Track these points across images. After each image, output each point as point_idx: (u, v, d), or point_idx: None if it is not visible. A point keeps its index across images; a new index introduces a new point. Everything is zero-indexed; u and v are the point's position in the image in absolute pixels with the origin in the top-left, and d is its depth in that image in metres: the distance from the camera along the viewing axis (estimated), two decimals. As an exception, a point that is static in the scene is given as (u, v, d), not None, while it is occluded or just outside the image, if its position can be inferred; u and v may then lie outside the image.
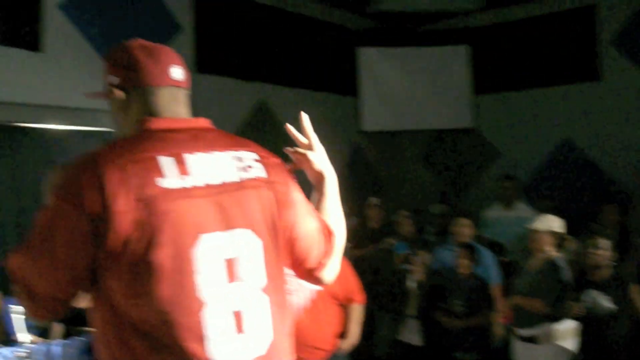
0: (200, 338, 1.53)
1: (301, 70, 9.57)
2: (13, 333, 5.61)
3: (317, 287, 3.91)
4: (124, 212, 1.47)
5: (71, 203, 1.48)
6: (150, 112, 1.73)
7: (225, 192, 1.65)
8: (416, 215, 8.21)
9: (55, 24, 7.03)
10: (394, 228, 6.74)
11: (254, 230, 1.67)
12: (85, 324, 6.21)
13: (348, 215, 7.08)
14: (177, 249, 1.53)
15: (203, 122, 1.81)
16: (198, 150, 1.67)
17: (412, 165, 11.17)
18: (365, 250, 6.38)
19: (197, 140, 1.70)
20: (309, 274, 1.91)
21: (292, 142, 8.76)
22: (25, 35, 6.81)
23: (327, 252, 1.92)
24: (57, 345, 5.27)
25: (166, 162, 1.58)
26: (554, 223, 4.96)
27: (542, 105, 9.78)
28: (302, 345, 3.98)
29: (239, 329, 1.59)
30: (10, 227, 7.05)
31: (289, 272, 1.87)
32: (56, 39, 7.04)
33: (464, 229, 5.78)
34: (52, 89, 7.02)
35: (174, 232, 1.53)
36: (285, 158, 2.06)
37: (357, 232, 6.18)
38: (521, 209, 7.26)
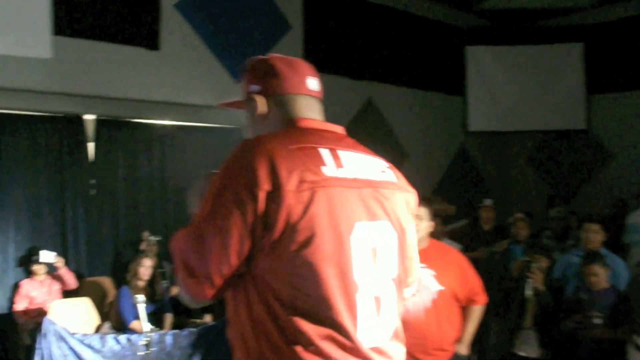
0: (354, 317, 1.63)
1: (409, 69, 9.49)
2: (128, 321, 5.84)
3: (440, 287, 3.89)
4: (293, 192, 1.56)
5: (246, 187, 1.56)
6: (289, 116, 1.82)
7: (370, 187, 1.73)
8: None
9: (172, 23, 7.28)
10: (506, 230, 6.51)
11: (392, 224, 1.76)
12: (193, 316, 6.41)
13: (456, 216, 6.86)
14: (336, 233, 1.61)
15: (340, 129, 1.88)
16: (345, 149, 1.76)
17: (519, 167, 10.88)
18: (477, 253, 6.21)
19: (341, 141, 1.80)
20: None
21: (397, 140, 8.75)
22: (144, 34, 7.06)
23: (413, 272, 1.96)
24: (169, 335, 5.44)
25: (325, 153, 1.68)
26: None
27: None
28: (424, 347, 3.91)
29: (378, 312, 1.69)
30: (126, 218, 7.35)
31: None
32: (172, 38, 7.28)
33: (595, 235, 5.36)
34: (168, 86, 7.27)
35: (333, 217, 1.61)
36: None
37: (468, 234, 6.04)
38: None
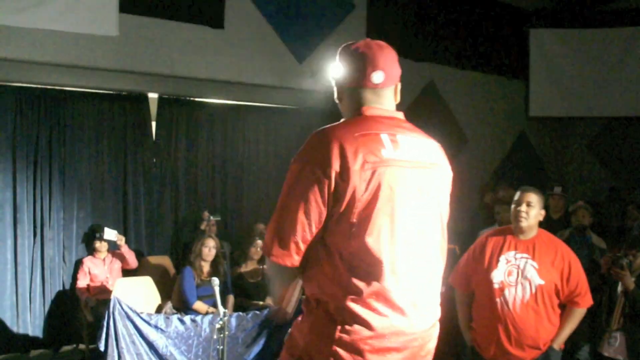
0: (397, 280, 1.95)
1: (470, 52, 9.27)
2: (191, 302, 5.84)
3: (541, 282, 3.76)
4: (358, 171, 1.89)
5: (321, 167, 1.90)
6: (356, 105, 2.12)
7: (422, 167, 2.04)
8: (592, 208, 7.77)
9: (236, 2, 7.21)
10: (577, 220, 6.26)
11: (437, 202, 2.08)
12: (253, 298, 6.37)
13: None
14: (391, 207, 1.94)
15: (401, 115, 2.16)
16: (404, 133, 2.05)
17: (581, 154, 10.57)
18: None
19: (400, 126, 2.09)
20: None
21: (457, 123, 8.51)
22: (209, 12, 7.00)
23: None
24: (233, 317, 5.42)
25: (385, 138, 1.99)
26: None
27: None
28: (518, 341, 3.78)
29: (421, 276, 2.02)
30: (186, 198, 7.34)
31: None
32: (237, 17, 7.21)
33: None
34: (231, 65, 7.21)
35: (389, 191, 1.94)
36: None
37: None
38: None
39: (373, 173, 1.91)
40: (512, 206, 3.90)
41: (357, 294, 1.91)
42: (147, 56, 6.78)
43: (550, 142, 10.52)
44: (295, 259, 1.97)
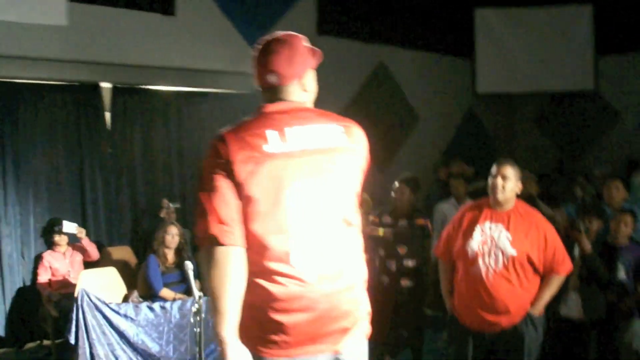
0: (287, 254, 2.19)
1: (419, 32, 9.43)
2: (157, 289, 5.83)
3: (513, 252, 3.92)
4: (241, 167, 2.15)
5: (217, 166, 2.18)
6: (262, 101, 2.36)
7: (314, 154, 2.25)
8: (544, 179, 8.04)
9: (186, -13, 7.15)
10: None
11: (332, 182, 2.27)
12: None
13: (475, 180, 6.76)
14: (274, 194, 2.18)
15: (305, 104, 2.37)
16: (296, 125, 2.27)
17: (527, 129, 10.89)
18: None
19: (296, 117, 2.29)
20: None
21: (408, 102, 8.62)
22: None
23: None
24: (202, 300, 5.42)
25: (271, 134, 2.22)
26: None
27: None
28: (493, 308, 3.93)
29: (316, 249, 2.23)
30: (144, 186, 7.28)
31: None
32: (188, 3, 7.17)
33: (617, 191, 5.40)
34: (183, 52, 7.17)
35: (272, 182, 2.18)
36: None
37: (484, 193, 6.01)
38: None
39: (255, 167, 2.16)
40: (489, 179, 4.04)
41: (259, 270, 2.20)
42: (98, 45, 6.69)
43: (498, 118, 10.80)
44: (222, 237, 2.16)
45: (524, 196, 6.16)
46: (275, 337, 2.23)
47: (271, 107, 2.32)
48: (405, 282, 5.46)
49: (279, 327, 2.22)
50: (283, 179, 2.20)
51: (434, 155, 9.52)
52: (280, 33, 2.40)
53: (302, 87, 2.37)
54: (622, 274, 4.96)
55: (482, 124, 10.61)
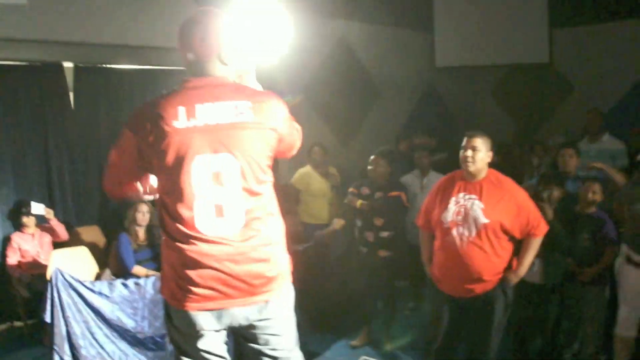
0: (192, 218, 2.48)
1: (378, 6, 9.49)
2: (130, 266, 5.89)
3: (485, 220, 4.08)
4: (152, 140, 2.43)
5: (132, 131, 2.48)
6: (188, 74, 2.59)
7: (219, 129, 2.45)
8: (503, 150, 8.23)
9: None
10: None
11: (234, 155, 2.47)
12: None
13: (438, 151, 6.91)
14: (179, 165, 2.44)
15: (219, 80, 2.56)
16: (207, 101, 2.47)
17: (485, 101, 11.11)
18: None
19: (209, 94, 2.49)
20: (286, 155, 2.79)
21: (369, 77, 8.71)
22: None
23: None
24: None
25: (181, 110, 2.44)
26: None
27: (621, 39, 9.57)
28: (467, 276, 4.12)
29: (221, 214, 2.48)
30: (92, 157, 7.19)
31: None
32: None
33: (570, 159, 5.57)
34: (145, 29, 7.11)
35: (176, 151, 2.43)
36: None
37: (449, 166, 6.18)
38: (607, 141, 7.11)
39: (163, 141, 2.42)
40: (460, 152, 4.19)
41: (174, 233, 2.51)
42: (58, 24, 6.59)
43: (457, 90, 10.98)
44: (121, 193, 2.68)
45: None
46: (185, 292, 2.53)
47: (190, 83, 2.53)
48: (383, 253, 5.61)
49: (190, 282, 2.51)
50: (188, 152, 2.44)
51: (395, 129, 9.64)
52: (200, 9, 2.59)
53: (222, 62, 2.56)
54: (586, 242, 5.18)
55: (441, 97, 10.79)
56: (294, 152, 2.82)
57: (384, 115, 9.72)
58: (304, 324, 5.96)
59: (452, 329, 4.41)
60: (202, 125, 2.45)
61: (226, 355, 2.74)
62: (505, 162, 7.60)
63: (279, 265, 2.65)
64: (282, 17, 3.41)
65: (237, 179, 2.49)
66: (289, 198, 7.55)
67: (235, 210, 2.51)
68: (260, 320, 2.65)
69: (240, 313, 2.60)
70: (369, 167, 5.76)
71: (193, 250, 2.49)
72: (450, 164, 6.85)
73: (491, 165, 6.27)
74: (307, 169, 7.35)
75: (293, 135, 2.73)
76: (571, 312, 5.17)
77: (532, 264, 4.61)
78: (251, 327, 2.66)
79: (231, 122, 2.47)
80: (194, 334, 2.62)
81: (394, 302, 5.84)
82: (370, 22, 9.47)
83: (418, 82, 10.42)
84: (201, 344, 2.64)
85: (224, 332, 2.70)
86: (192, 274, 2.50)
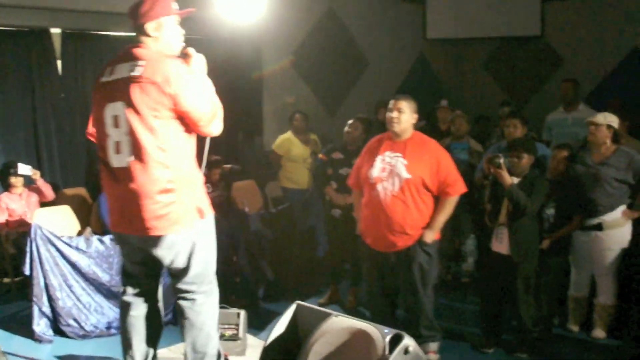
0: (107, 152, 3.05)
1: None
2: (107, 225, 6.11)
3: (408, 176, 4.30)
4: (93, 88, 3.20)
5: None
6: None
7: (117, 83, 2.97)
8: (481, 120, 8.38)
9: None
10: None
11: (126, 103, 2.94)
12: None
13: (418, 118, 7.14)
14: (100, 110, 3.04)
15: (141, 46, 3.07)
16: (120, 62, 3.02)
17: (476, 73, 11.21)
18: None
19: (126, 56, 3.04)
20: (199, 129, 3.11)
21: (358, 47, 8.80)
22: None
23: (209, 114, 3.09)
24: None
25: (107, 69, 3.07)
26: (612, 118, 5.05)
27: (611, 13, 9.63)
28: (390, 227, 4.37)
29: (118, 149, 2.99)
30: (79, 121, 7.32)
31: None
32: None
33: (515, 129, 5.48)
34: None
35: (99, 102, 3.06)
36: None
37: (426, 133, 6.38)
38: (583, 110, 7.20)
39: (95, 93, 3.13)
40: (387, 113, 4.43)
41: (101, 167, 3.16)
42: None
43: (447, 62, 11.09)
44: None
45: (456, 134, 6.51)
46: (110, 216, 3.23)
47: (123, 48, 3.11)
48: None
49: (110, 209, 3.22)
50: (102, 101, 3.02)
51: (384, 97, 9.79)
52: None
53: (146, 33, 3.07)
54: (552, 210, 5.33)
55: (431, 69, 10.91)
56: (207, 125, 3.11)
57: (373, 85, 9.87)
58: (276, 282, 6.24)
59: (383, 283, 4.68)
60: (111, 80, 3.02)
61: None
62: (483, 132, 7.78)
63: (184, 203, 3.05)
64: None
65: (126, 123, 2.95)
66: (272, 164, 7.78)
67: (137, 149, 2.95)
68: (157, 250, 3.12)
69: (137, 241, 3.15)
70: (346, 129, 5.94)
71: (108, 182, 3.10)
72: (429, 132, 7.05)
73: (462, 133, 6.46)
74: (288, 134, 7.55)
75: (192, 99, 2.99)
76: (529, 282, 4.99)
77: (502, 234, 4.78)
78: (151, 254, 3.15)
79: (123, 77, 2.95)
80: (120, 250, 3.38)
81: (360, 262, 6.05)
82: (360, -7, 9.59)
83: (408, 53, 10.54)
84: (124, 257, 3.36)
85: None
86: (110, 202, 3.19)
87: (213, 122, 3.11)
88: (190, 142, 3.12)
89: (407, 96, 4.53)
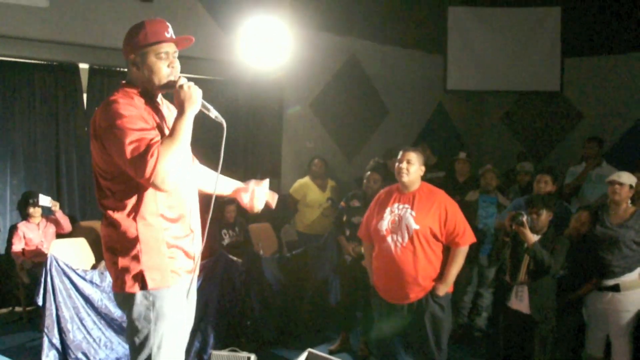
0: None
1: (392, 27, 9.76)
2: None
3: (416, 227, 4.31)
4: None
5: None
6: None
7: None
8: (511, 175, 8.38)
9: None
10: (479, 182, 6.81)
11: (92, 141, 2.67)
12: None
13: (436, 169, 7.15)
14: None
15: (122, 85, 2.80)
16: None
17: (494, 125, 11.28)
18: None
19: None
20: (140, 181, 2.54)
21: (378, 95, 8.85)
22: (138, -15, 7.23)
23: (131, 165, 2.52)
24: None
25: None
26: (634, 178, 5.05)
27: (631, 71, 9.70)
28: (401, 280, 4.36)
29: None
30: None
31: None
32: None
33: (545, 185, 5.55)
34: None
35: None
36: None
37: (444, 185, 6.39)
38: (606, 168, 7.21)
39: None
40: (396, 164, 4.46)
41: None
42: (78, 27, 6.97)
43: (467, 114, 11.16)
44: None
45: (485, 188, 6.53)
46: None
47: None
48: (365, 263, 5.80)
49: None
50: None
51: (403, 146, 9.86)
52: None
53: (128, 65, 2.79)
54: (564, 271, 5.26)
55: (450, 119, 10.98)
56: (138, 174, 2.49)
57: (392, 133, 9.94)
58: (286, 328, 6.20)
59: (394, 336, 4.66)
60: None
61: None
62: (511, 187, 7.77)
63: (115, 263, 2.70)
64: (280, 29, 3.61)
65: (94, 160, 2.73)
66: (288, 207, 7.81)
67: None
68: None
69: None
70: (365, 182, 6.00)
71: None
72: (447, 183, 7.08)
73: (492, 187, 6.46)
74: (305, 179, 7.60)
75: (115, 149, 2.53)
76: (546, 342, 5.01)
77: (522, 292, 4.78)
78: None
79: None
80: None
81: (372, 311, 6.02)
82: (383, 42, 9.73)
83: (428, 103, 10.64)
84: None
85: None
86: None
87: (160, 173, 2.48)
88: (139, 197, 2.65)
89: (415, 148, 4.58)
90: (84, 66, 7.33)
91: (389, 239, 4.40)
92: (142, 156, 2.46)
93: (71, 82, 7.25)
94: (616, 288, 4.97)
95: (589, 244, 5.09)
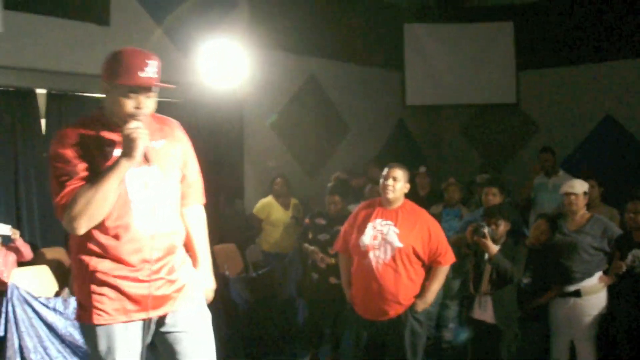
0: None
1: (350, 45, 9.86)
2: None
3: (399, 245, 4.33)
4: None
5: None
6: None
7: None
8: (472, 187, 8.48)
9: (122, -1, 7.42)
10: (442, 196, 6.94)
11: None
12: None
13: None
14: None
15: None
16: None
17: (454, 139, 11.44)
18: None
19: None
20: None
21: (338, 114, 8.94)
22: (95, 10, 7.18)
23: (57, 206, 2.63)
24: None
25: None
26: (586, 186, 5.20)
27: (584, 82, 9.96)
28: (382, 297, 4.38)
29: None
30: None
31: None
32: (122, 14, 7.41)
33: (494, 197, 5.70)
34: (100, 59, 7.36)
35: None
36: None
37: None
38: (562, 177, 7.39)
39: None
40: (381, 180, 4.49)
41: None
42: (34, 52, 6.88)
43: (426, 128, 11.31)
44: None
45: (449, 202, 6.65)
46: None
47: None
48: (333, 280, 5.82)
49: None
50: None
51: (364, 164, 9.94)
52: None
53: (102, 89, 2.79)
54: (529, 279, 5.36)
55: (411, 134, 11.11)
56: (60, 217, 2.61)
57: (353, 150, 10.02)
58: (255, 348, 6.19)
59: (370, 353, 4.67)
60: None
61: None
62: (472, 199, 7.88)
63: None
64: (238, 50, 3.61)
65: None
66: (252, 227, 7.81)
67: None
68: None
69: None
70: (327, 203, 6.06)
71: None
72: (409, 197, 7.15)
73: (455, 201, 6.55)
74: (269, 199, 7.61)
75: (49, 182, 2.69)
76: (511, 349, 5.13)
77: (485, 302, 4.86)
78: None
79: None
80: None
81: (342, 328, 6.03)
82: (341, 60, 9.82)
83: (388, 119, 10.75)
84: None
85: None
86: None
87: (67, 216, 2.53)
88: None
89: (401, 165, 4.61)
90: (41, 91, 7.25)
91: (370, 254, 4.40)
92: (55, 195, 2.57)
93: (29, 108, 7.15)
94: (577, 293, 5.09)
95: (549, 252, 5.20)
